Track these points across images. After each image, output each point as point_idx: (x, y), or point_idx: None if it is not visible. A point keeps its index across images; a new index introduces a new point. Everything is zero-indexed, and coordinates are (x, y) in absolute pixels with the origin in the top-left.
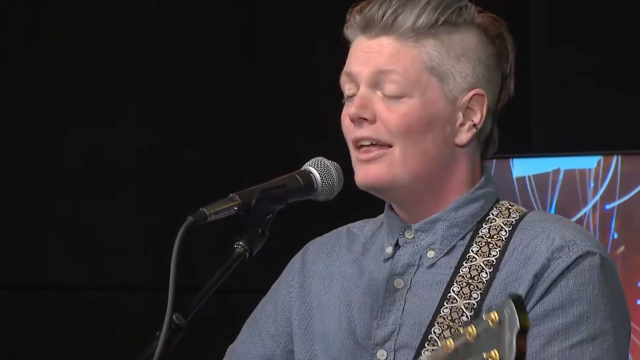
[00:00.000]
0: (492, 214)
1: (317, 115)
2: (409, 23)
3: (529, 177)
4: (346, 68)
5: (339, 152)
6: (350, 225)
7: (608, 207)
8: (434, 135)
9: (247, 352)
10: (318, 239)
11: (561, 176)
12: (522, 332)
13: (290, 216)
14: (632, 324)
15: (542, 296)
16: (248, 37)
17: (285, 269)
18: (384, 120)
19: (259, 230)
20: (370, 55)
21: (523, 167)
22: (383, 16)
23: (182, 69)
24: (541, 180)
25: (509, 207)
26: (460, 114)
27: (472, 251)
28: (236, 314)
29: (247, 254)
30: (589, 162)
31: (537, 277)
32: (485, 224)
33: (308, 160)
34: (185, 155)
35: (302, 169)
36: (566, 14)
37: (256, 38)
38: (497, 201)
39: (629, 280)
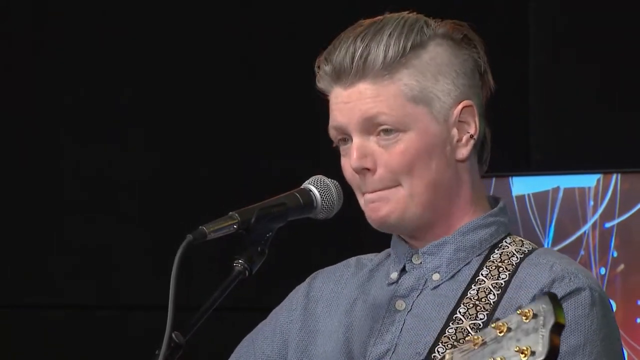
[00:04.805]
0: (506, 242)
1: (318, 135)
2: (379, 61)
3: (528, 195)
4: (332, 122)
5: (338, 170)
6: (361, 256)
7: (608, 225)
8: (436, 162)
9: None
10: (327, 268)
11: (561, 194)
12: (557, 328)
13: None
14: (632, 342)
15: None
16: (252, 57)
17: (290, 294)
18: (384, 164)
19: (259, 249)
20: (352, 105)
21: (522, 186)
22: (352, 62)
23: (188, 89)
24: (541, 198)
25: (522, 240)
26: (455, 130)
27: (482, 274)
28: (235, 332)
29: (247, 272)
30: (588, 181)
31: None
32: (498, 250)
33: (308, 179)
34: (192, 175)
35: (302, 187)
36: (565, 32)
37: (260, 59)
38: (509, 234)
39: (629, 299)
